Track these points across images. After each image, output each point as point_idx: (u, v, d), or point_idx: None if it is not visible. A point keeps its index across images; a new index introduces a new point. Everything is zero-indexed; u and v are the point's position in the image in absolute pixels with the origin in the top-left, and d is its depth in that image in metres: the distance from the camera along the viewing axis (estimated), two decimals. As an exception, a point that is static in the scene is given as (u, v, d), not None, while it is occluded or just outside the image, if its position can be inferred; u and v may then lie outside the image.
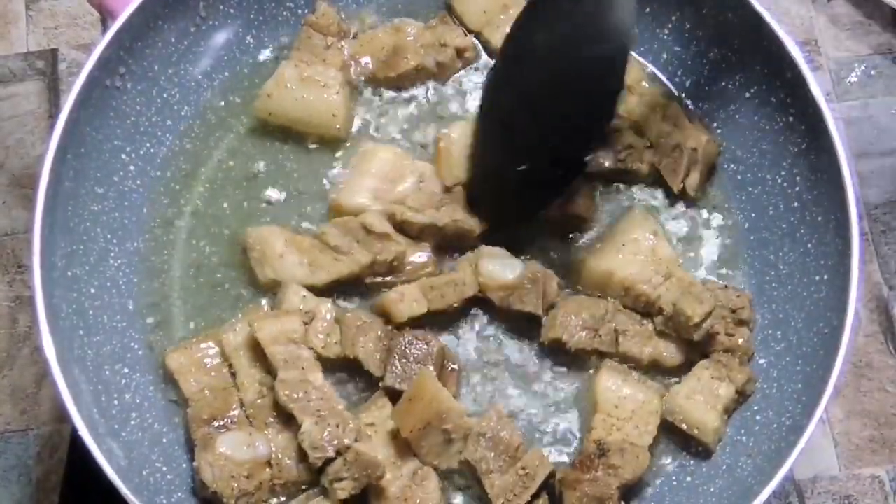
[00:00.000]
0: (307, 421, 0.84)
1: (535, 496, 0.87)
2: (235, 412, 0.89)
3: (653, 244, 0.94)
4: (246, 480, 0.85)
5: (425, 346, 0.89)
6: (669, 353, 0.93)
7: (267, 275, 0.92)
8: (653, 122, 0.98)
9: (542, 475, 0.87)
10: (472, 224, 0.93)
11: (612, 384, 0.91)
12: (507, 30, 0.98)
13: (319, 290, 0.92)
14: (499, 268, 0.92)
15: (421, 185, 0.95)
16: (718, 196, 0.99)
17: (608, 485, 0.87)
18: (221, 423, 0.88)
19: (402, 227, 0.93)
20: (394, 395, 0.88)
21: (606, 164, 0.97)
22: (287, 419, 0.87)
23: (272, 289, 0.93)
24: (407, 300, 0.90)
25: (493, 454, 0.87)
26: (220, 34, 0.99)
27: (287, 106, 0.96)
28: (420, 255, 0.94)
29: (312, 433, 0.84)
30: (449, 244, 0.95)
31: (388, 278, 0.93)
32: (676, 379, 0.93)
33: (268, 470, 0.86)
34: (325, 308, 0.91)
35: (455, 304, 0.92)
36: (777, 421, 0.89)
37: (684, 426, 0.90)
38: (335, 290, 0.93)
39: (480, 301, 0.93)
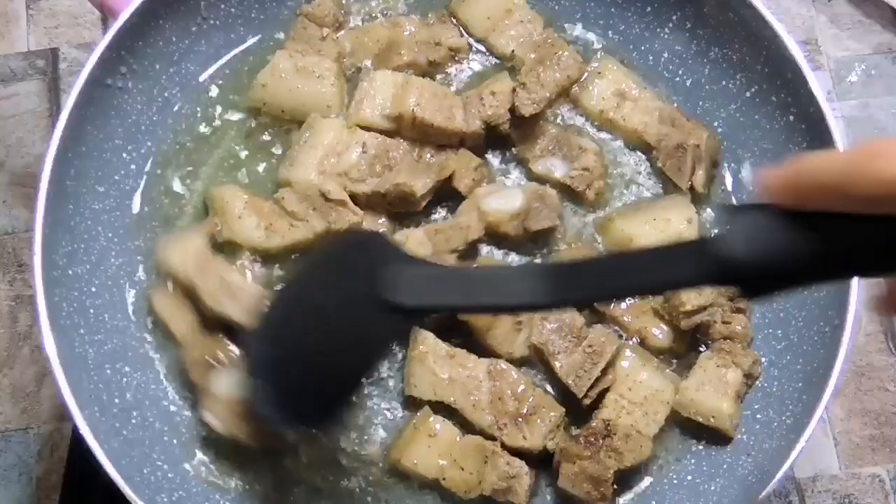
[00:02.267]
0: None
1: (604, 372, 0.89)
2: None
3: (682, 229, 0.94)
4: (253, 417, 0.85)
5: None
6: (656, 333, 0.93)
7: (224, 235, 0.92)
8: (650, 125, 0.98)
9: (610, 351, 0.89)
10: (414, 186, 0.92)
11: (630, 365, 0.92)
12: (513, 33, 0.99)
13: (273, 256, 0.93)
14: (503, 200, 0.93)
15: (364, 155, 0.94)
16: (719, 196, 0.99)
17: (606, 467, 0.87)
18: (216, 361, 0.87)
19: (351, 198, 0.93)
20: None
21: (557, 173, 0.97)
22: None
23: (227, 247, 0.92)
24: (412, 242, 0.91)
25: (557, 336, 0.90)
26: (222, 33, 0.99)
27: (281, 95, 0.96)
28: (377, 225, 0.94)
29: None
30: (398, 212, 0.95)
31: None
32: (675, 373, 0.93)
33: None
34: None
35: (460, 248, 0.92)
36: (777, 419, 0.89)
37: (700, 418, 0.90)
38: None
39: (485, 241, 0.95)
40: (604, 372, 0.90)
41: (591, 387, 0.90)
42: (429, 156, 0.96)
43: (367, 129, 0.95)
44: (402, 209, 0.95)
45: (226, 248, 0.92)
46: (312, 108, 0.96)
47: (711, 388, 0.90)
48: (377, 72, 0.97)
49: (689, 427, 0.92)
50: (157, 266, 0.91)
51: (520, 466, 0.88)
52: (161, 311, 0.90)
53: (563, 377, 0.89)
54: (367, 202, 0.94)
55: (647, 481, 0.92)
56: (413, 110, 0.94)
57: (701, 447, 0.92)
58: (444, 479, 0.88)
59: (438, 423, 0.89)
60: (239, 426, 0.85)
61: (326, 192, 0.92)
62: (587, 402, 0.90)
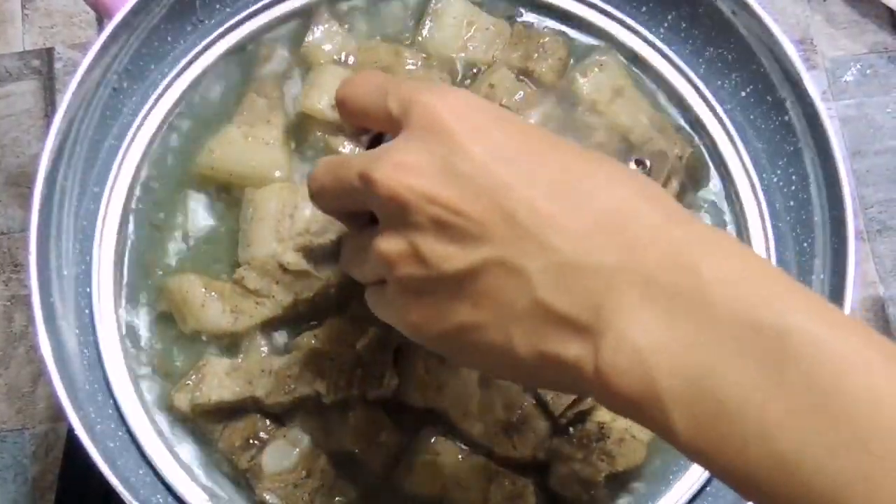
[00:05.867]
0: None
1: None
2: (266, 422, 0.88)
3: None
4: (309, 479, 0.85)
5: None
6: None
7: (190, 326, 0.90)
8: (637, 126, 0.98)
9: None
10: None
11: None
12: (487, 40, 0.98)
13: (244, 335, 0.90)
14: None
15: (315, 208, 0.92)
16: (713, 196, 0.99)
17: (598, 470, 0.87)
18: (256, 440, 0.87)
19: (317, 252, 0.91)
20: None
21: None
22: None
23: (195, 337, 0.90)
24: None
25: None
26: (217, 32, 0.99)
27: (230, 161, 0.94)
28: (343, 272, 0.90)
29: None
30: None
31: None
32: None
33: (322, 454, 0.86)
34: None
35: None
36: (773, 419, 0.89)
37: None
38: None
39: None
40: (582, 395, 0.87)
41: (569, 407, 0.88)
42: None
43: (311, 118, 0.93)
44: None
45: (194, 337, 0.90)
46: (261, 172, 0.93)
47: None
48: (327, 65, 0.96)
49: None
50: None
51: (524, 485, 0.87)
52: (184, 410, 0.88)
53: (542, 394, 0.87)
54: (337, 250, 0.90)
55: (642, 483, 0.91)
56: None
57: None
58: (447, 500, 0.87)
59: (440, 445, 0.88)
60: (297, 497, 0.85)
61: (287, 265, 0.89)
62: (563, 421, 0.88)
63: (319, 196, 0.66)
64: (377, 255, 0.56)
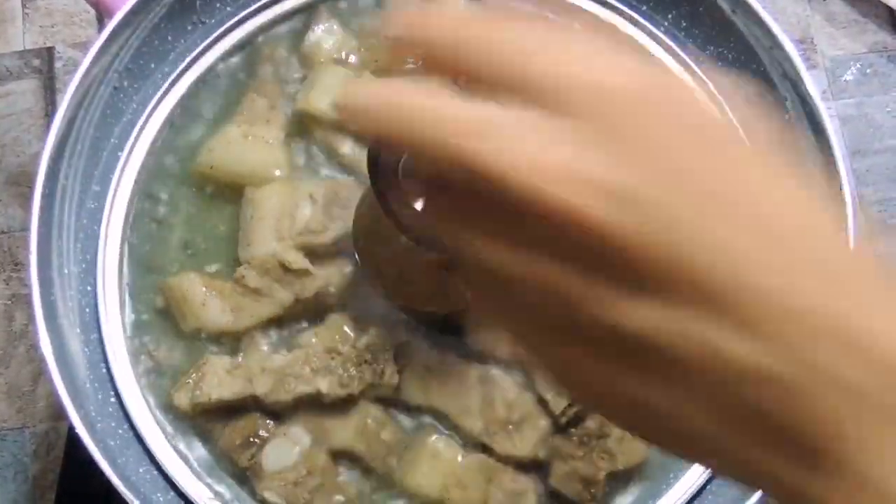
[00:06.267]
0: None
1: None
2: (266, 421, 0.88)
3: None
4: (310, 477, 0.85)
5: None
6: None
7: (190, 324, 0.90)
8: None
9: None
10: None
11: None
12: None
13: (244, 334, 0.90)
14: None
15: (316, 206, 0.91)
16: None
17: (598, 468, 0.87)
18: (256, 438, 0.87)
19: (317, 251, 0.91)
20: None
21: None
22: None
23: (195, 336, 0.90)
24: None
25: None
26: (217, 31, 0.99)
27: (230, 159, 0.94)
28: (345, 276, 0.91)
29: None
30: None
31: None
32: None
33: (322, 452, 0.86)
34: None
35: None
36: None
37: None
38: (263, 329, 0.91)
39: None
40: None
41: (570, 405, 0.87)
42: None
43: (312, 118, 0.93)
44: None
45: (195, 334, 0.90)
46: (261, 170, 0.93)
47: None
48: (328, 64, 0.96)
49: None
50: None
51: (525, 483, 0.87)
52: (185, 408, 0.88)
53: (542, 392, 0.87)
54: (335, 247, 0.91)
55: (643, 481, 0.91)
56: None
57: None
58: (447, 499, 0.87)
59: (440, 443, 0.88)
60: (298, 496, 0.85)
61: (288, 264, 0.89)
62: (564, 419, 0.88)
63: (360, 123, 0.47)
64: (528, 279, 0.40)
